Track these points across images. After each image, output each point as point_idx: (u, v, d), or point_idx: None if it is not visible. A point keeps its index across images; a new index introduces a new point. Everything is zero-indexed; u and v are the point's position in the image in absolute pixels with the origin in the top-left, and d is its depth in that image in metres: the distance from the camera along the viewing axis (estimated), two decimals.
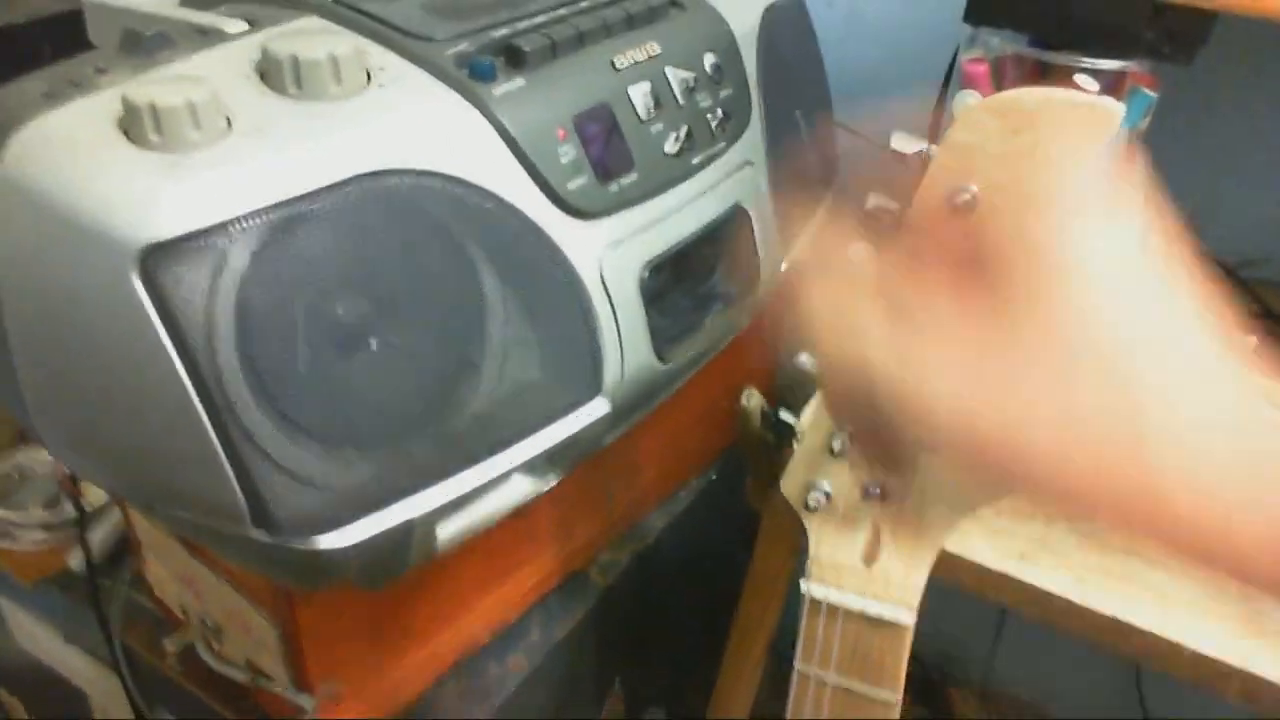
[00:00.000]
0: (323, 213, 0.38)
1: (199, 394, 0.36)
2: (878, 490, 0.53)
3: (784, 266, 0.63)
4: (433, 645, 0.60)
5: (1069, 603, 0.54)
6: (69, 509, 0.70)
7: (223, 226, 0.36)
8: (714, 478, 0.84)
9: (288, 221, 0.37)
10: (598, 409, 0.50)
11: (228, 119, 0.38)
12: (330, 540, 0.40)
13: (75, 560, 0.67)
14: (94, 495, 0.70)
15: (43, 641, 0.74)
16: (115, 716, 0.73)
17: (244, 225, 0.36)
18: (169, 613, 0.62)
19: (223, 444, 0.37)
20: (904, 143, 0.48)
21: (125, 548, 0.66)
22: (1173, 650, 0.52)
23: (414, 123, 0.42)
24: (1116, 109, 0.41)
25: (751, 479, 0.69)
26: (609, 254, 0.48)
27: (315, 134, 0.39)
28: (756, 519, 0.71)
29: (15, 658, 0.80)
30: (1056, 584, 0.55)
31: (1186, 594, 0.55)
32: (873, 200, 0.52)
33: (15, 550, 0.70)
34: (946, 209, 0.47)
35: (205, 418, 0.37)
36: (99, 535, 0.68)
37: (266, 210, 0.37)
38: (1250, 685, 0.51)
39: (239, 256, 0.36)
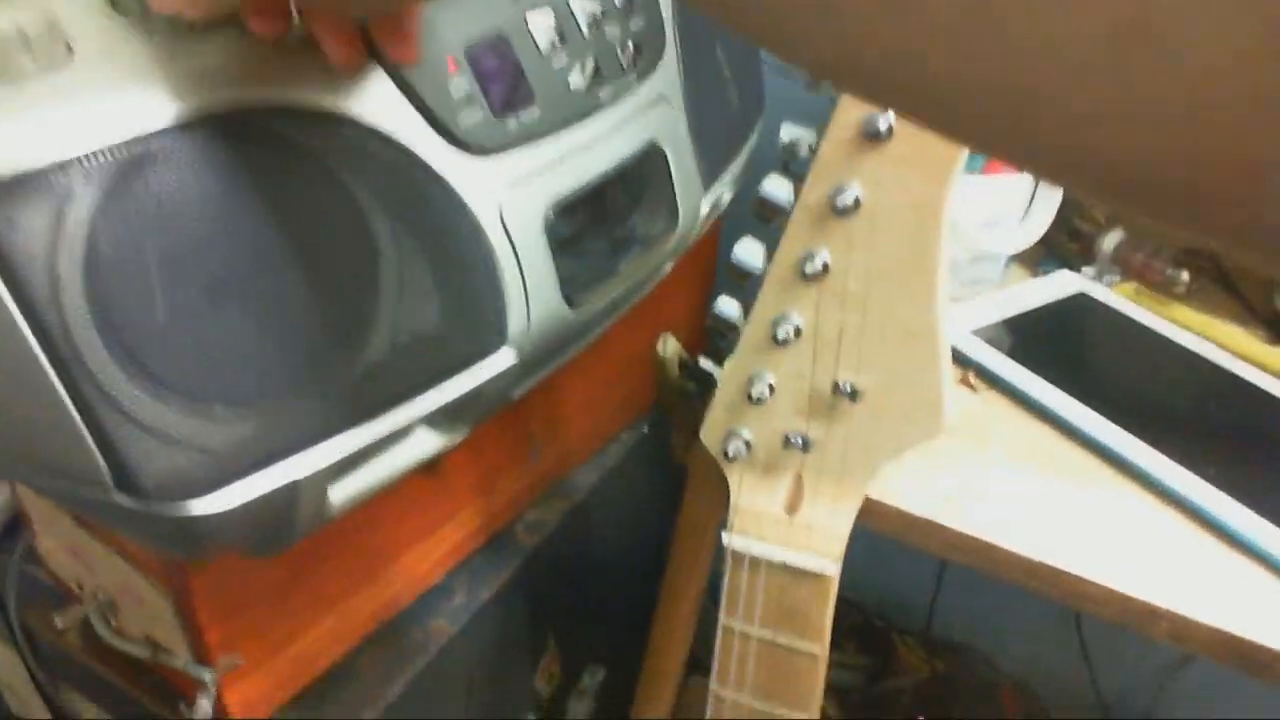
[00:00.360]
0: (179, 150, 0.35)
1: (44, 347, 0.33)
2: (800, 439, 0.51)
3: (704, 209, 0.61)
4: (346, 611, 0.57)
5: (995, 547, 0.53)
6: None
7: (64, 165, 0.33)
8: (645, 431, 0.82)
9: (140, 159, 0.34)
10: (504, 360, 0.47)
11: (68, 45, 0.35)
12: (205, 505, 0.37)
13: None
14: None
15: None
16: (22, 695, 0.70)
17: (88, 164, 0.33)
18: (65, 587, 0.59)
19: (75, 402, 0.34)
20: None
21: (22, 523, 0.63)
22: (1101, 593, 0.52)
23: (285, 52, 0.38)
24: None
25: (675, 431, 0.68)
26: (510, 194, 0.46)
27: (171, 64, 0.36)
28: (680, 469, 0.69)
29: None
30: (982, 529, 0.53)
31: (1116, 535, 0.54)
32: (787, 132, 0.50)
33: None
34: (861, 137, 0.46)
35: (53, 373, 0.34)
36: None
37: (114, 149, 0.34)
38: (1179, 626, 0.51)
39: (85, 198, 0.33)
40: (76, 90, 0.34)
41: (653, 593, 0.80)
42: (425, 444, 0.47)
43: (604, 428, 0.78)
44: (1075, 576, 0.51)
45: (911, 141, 0.44)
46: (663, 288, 0.64)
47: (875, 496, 0.55)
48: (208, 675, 0.48)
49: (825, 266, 0.46)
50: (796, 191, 0.47)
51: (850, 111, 0.44)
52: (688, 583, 0.69)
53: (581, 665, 0.86)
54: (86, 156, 0.33)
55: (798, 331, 0.48)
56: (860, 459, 0.49)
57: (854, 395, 0.48)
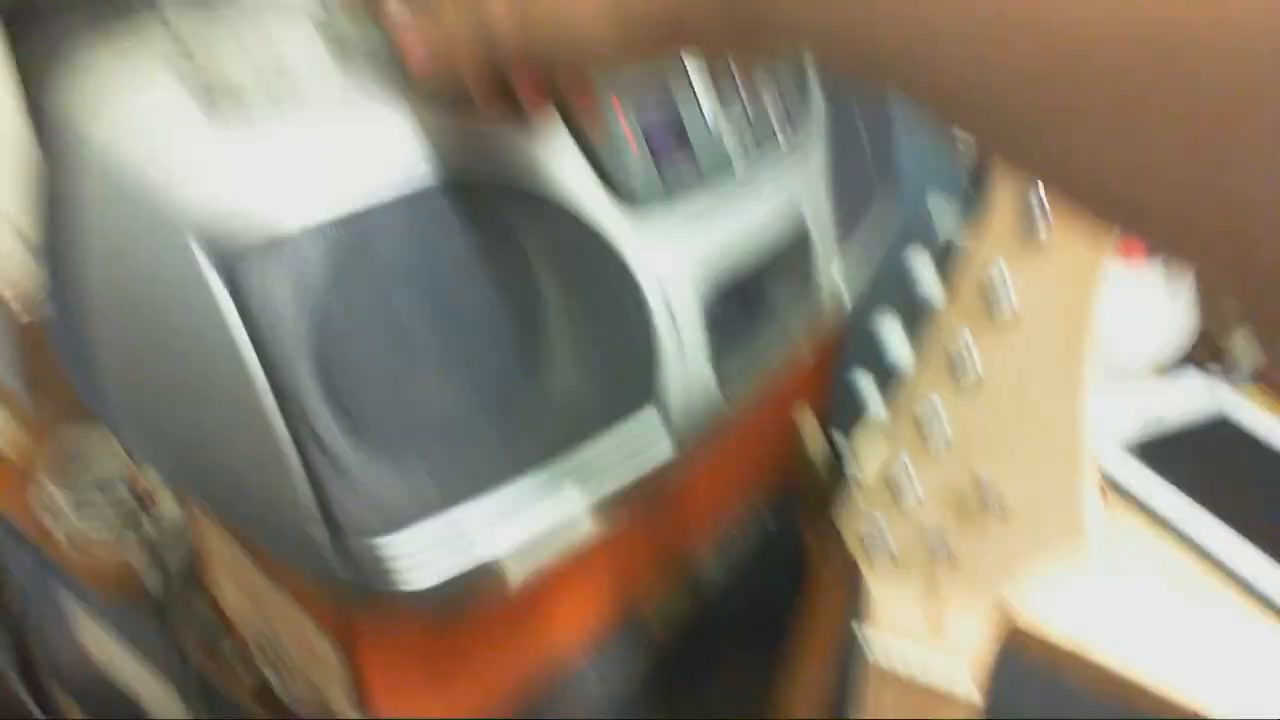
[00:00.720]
0: (399, 222, 0.40)
1: (274, 395, 0.38)
2: (938, 538, 0.52)
3: (842, 284, 0.63)
4: (489, 678, 0.60)
5: (1143, 689, 0.52)
6: (145, 524, 0.72)
7: (305, 232, 0.38)
8: (769, 519, 0.83)
9: (366, 230, 0.39)
10: (658, 435, 0.50)
11: (299, 91, 0.39)
12: (391, 541, 0.41)
13: (150, 579, 0.69)
14: (168, 509, 0.72)
15: (108, 652, 0.76)
16: None
17: (327, 232, 0.38)
18: (233, 629, 0.64)
19: (295, 446, 0.38)
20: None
21: (198, 566, 0.67)
22: None
23: (496, 132, 0.43)
24: None
25: (804, 509, 0.69)
26: (667, 259, 0.49)
27: (394, 138, 0.40)
28: (804, 543, 0.69)
29: (77, 662, 0.82)
30: (1121, 653, 0.52)
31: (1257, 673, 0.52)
32: (940, 219, 0.52)
33: (89, 563, 0.72)
34: (1015, 236, 0.47)
35: (277, 417, 0.38)
36: (172, 552, 0.69)
37: (347, 220, 0.38)
38: None
39: (318, 262, 0.38)
40: (319, 157, 0.38)
41: (773, 681, 0.80)
42: (578, 505, 0.50)
43: (733, 515, 0.79)
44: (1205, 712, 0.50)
45: (1066, 244, 0.45)
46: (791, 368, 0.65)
47: (1010, 612, 0.55)
48: None
49: (971, 365, 0.48)
50: (944, 284, 0.49)
51: (1004, 211, 0.46)
52: (813, 674, 0.69)
53: None
54: (326, 225, 0.38)
55: (940, 428, 0.49)
56: (999, 568, 0.49)
57: (994, 498, 0.48)
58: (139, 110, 0.39)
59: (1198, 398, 0.71)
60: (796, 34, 0.27)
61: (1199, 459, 0.66)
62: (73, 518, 0.71)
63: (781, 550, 0.85)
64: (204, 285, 0.37)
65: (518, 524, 0.45)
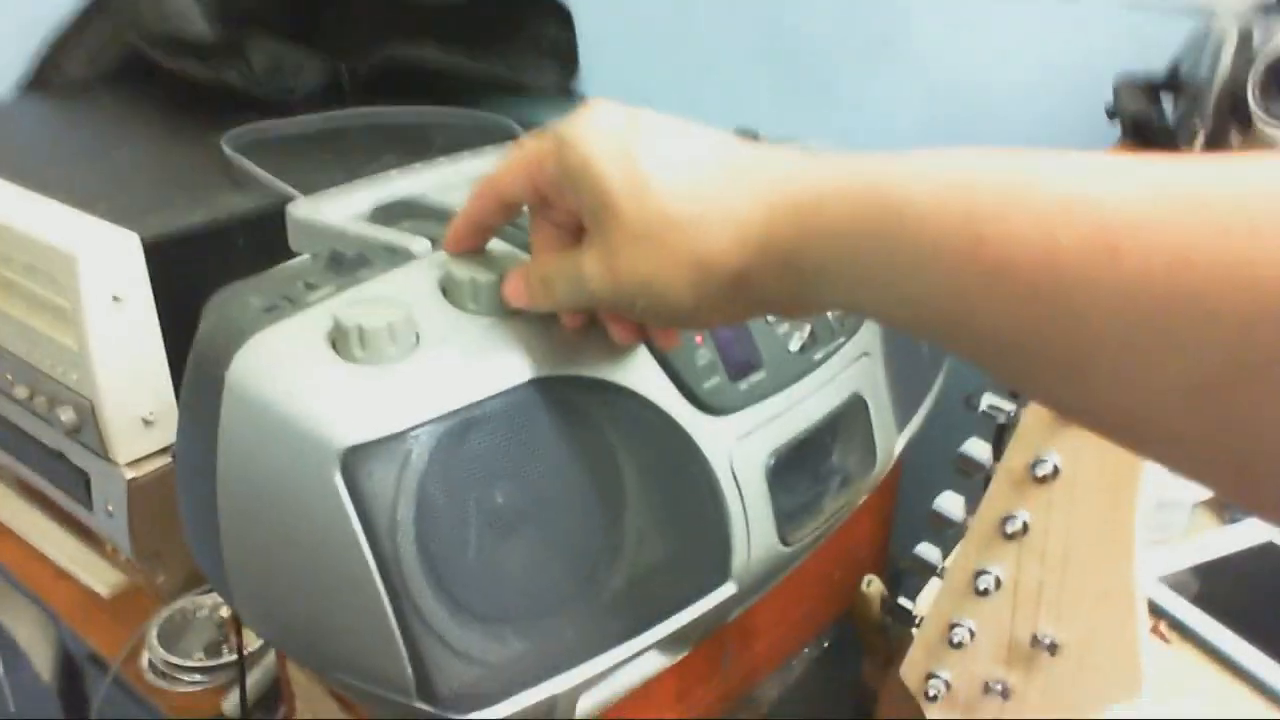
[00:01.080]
0: (492, 415, 0.43)
1: (381, 576, 0.41)
2: (1000, 687, 0.54)
3: (897, 449, 0.66)
4: None
5: None
6: (227, 653, 0.76)
7: (410, 430, 0.42)
8: (826, 646, 0.84)
9: (463, 424, 0.43)
10: (726, 590, 0.53)
11: (418, 335, 0.44)
12: (485, 714, 0.44)
13: (230, 705, 0.73)
14: (250, 640, 0.76)
15: None
16: None
17: (427, 429, 0.42)
18: None
19: (398, 622, 0.42)
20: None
21: (276, 693, 0.71)
22: None
23: (569, 334, 0.47)
24: None
25: (867, 661, 0.71)
26: (738, 446, 0.53)
27: (488, 346, 0.45)
28: (868, 694, 0.71)
29: None
30: None
31: None
32: (987, 400, 0.55)
33: (175, 692, 0.75)
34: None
35: (385, 598, 0.42)
36: (252, 680, 0.73)
37: (446, 416, 0.42)
38: None
39: (421, 456, 0.42)
40: (422, 371, 0.43)
41: None
42: (653, 663, 0.53)
43: (787, 644, 0.81)
44: None
45: None
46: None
47: None
48: None
49: (1025, 526, 0.50)
50: (995, 455, 0.52)
51: None
52: None
53: None
54: (425, 424, 0.42)
55: (998, 583, 0.52)
56: (1059, 712, 0.52)
57: (1053, 649, 0.51)
58: (279, 346, 0.44)
59: (1247, 528, 0.73)
60: (835, 303, 0.33)
61: (1246, 587, 0.67)
62: (167, 655, 0.75)
63: (841, 679, 0.87)
64: (325, 481, 0.41)
65: (601, 689, 0.48)
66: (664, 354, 0.49)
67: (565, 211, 0.41)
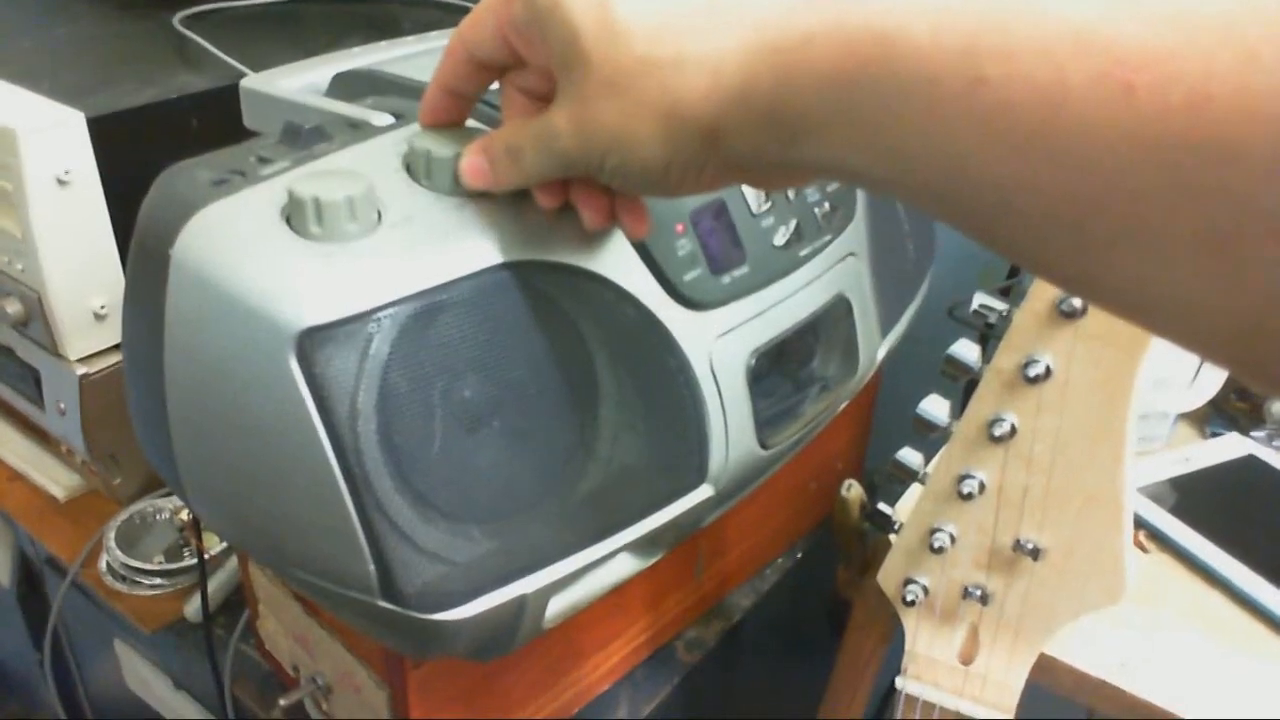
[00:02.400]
0: (460, 300, 0.41)
1: (340, 468, 0.39)
2: (979, 592, 0.53)
3: (880, 354, 0.65)
4: (527, 714, 0.61)
5: (1172, 718, 0.53)
6: (188, 557, 0.74)
7: (371, 313, 0.39)
8: (800, 556, 0.84)
9: (428, 308, 0.40)
10: (702, 493, 0.51)
11: (379, 212, 0.41)
12: (451, 614, 0.42)
13: (191, 609, 0.71)
14: (211, 543, 0.74)
15: (153, 686, 0.77)
16: None
17: (390, 312, 0.39)
18: (279, 667, 0.65)
19: (359, 516, 0.40)
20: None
21: (239, 598, 0.69)
22: None
23: (544, 218, 0.44)
24: None
25: (843, 567, 0.70)
26: (718, 343, 0.50)
27: (455, 226, 0.42)
28: (842, 603, 0.71)
29: (123, 699, 0.84)
30: (1159, 696, 0.53)
31: None
32: (979, 300, 0.53)
33: (135, 596, 0.73)
34: (1055, 312, 0.48)
35: (345, 490, 0.39)
36: (215, 584, 0.71)
37: (410, 298, 0.40)
38: None
39: (383, 341, 0.39)
40: (384, 250, 0.40)
41: (797, 718, 0.81)
42: (626, 566, 0.51)
43: (762, 553, 0.81)
44: None
45: (1105, 319, 0.46)
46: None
47: (1048, 652, 0.56)
48: None
49: (1013, 429, 0.49)
50: (986, 354, 0.50)
51: (1046, 287, 0.47)
52: (845, 715, 0.70)
53: None
54: (386, 306, 0.39)
55: (982, 488, 0.50)
56: (1039, 617, 0.51)
57: (1035, 554, 0.50)
58: (229, 220, 0.41)
59: (1227, 441, 0.72)
60: (818, 162, 0.29)
61: (1226, 498, 0.67)
62: (125, 558, 0.73)
63: (815, 588, 0.86)
64: (280, 366, 0.38)
65: (571, 592, 0.46)
66: (643, 243, 0.47)
67: (538, 73, 0.38)
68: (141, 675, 0.78)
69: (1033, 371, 0.48)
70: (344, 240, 0.40)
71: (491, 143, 0.40)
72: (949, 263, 0.78)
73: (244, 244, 0.40)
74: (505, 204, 0.43)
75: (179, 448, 0.44)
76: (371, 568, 0.40)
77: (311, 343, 0.38)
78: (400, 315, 0.39)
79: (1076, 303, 0.46)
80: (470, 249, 0.41)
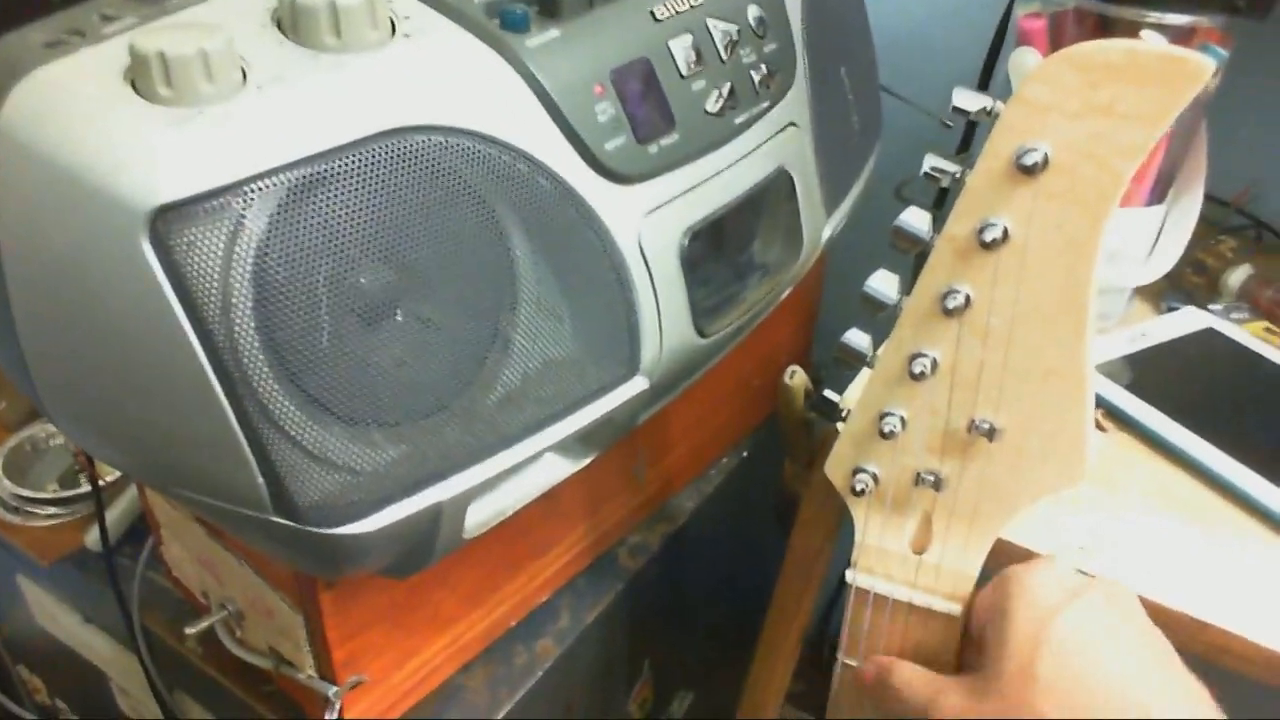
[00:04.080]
0: (345, 172, 0.35)
1: (214, 368, 0.34)
2: (931, 478, 0.50)
3: (825, 234, 0.60)
4: (459, 630, 0.58)
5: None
6: (84, 483, 0.68)
7: (238, 186, 0.33)
8: (745, 455, 0.81)
9: (307, 181, 0.35)
10: (635, 386, 0.47)
11: (243, 70, 0.35)
12: (356, 527, 0.37)
13: (91, 539, 0.66)
14: (109, 469, 0.68)
15: (62, 621, 0.73)
16: (136, 697, 0.71)
17: (261, 185, 0.34)
18: (189, 594, 0.60)
19: (241, 423, 0.35)
20: (967, 99, 0.45)
21: (143, 525, 0.64)
22: (1244, 648, 0.49)
23: (441, 76, 0.39)
24: (1207, 63, 0.37)
25: (789, 461, 0.67)
26: (647, 221, 0.45)
27: (335, 87, 0.36)
28: (789, 498, 0.68)
29: (36, 637, 0.79)
30: (1121, 577, 0.51)
31: (1258, 586, 0.52)
32: (930, 162, 0.49)
33: (31, 528, 0.68)
34: (1013, 169, 0.44)
35: (222, 394, 0.34)
36: (116, 513, 0.66)
37: (284, 168, 0.34)
38: None
39: (256, 219, 0.34)
40: (249, 114, 0.34)
41: (745, 619, 0.80)
42: (554, 469, 0.47)
43: (705, 453, 0.77)
44: (1217, 629, 0.49)
45: (1068, 175, 0.43)
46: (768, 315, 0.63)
47: (1005, 537, 0.54)
48: (333, 691, 0.48)
49: (967, 300, 0.45)
50: (935, 224, 0.46)
51: (1004, 142, 0.43)
52: (794, 614, 0.68)
53: (673, 691, 0.85)
54: (256, 178, 0.34)
55: (934, 366, 0.47)
56: (995, 501, 0.48)
57: (991, 434, 0.46)
58: (60, 84, 0.35)
59: (1184, 315, 0.70)
60: None
61: (1186, 373, 0.65)
62: (16, 490, 0.67)
63: (760, 486, 0.84)
64: (131, 250, 0.33)
65: (493, 498, 0.42)
66: (557, 107, 0.41)
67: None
68: (49, 611, 0.73)
69: (989, 236, 0.44)
70: (200, 104, 0.34)
71: (891, 675, 0.45)
72: (895, 141, 0.74)
73: (81, 111, 0.34)
74: (394, 62, 0.38)
75: (31, 357, 0.38)
76: (260, 480, 0.36)
77: (168, 224, 0.33)
78: (275, 188, 0.34)
79: (1038, 156, 0.42)
80: (354, 113, 0.36)
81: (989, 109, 0.45)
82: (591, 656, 0.66)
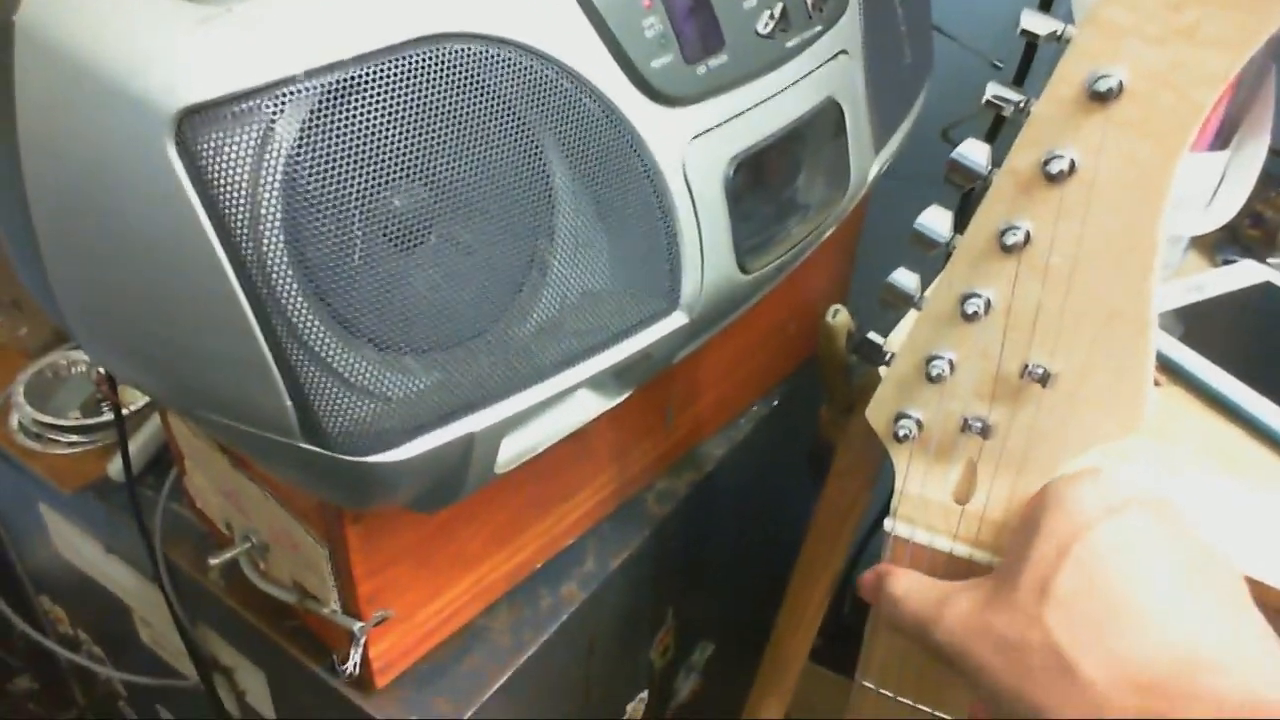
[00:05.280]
0: (380, 79, 0.33)
1: (242, 283, 0.32)
2: (979, 424, 0.48)
3: (874, 171, 0.58)
4: (484, 570, 0.56)
5: None
6: (107, 411, 0.67)
7: (269, 89, 0.31)
8: (777, 403, 0.79)
9: (341, 87, 0.32)
10: (674, 321, 0.45)
11: None
12: (386, 456, 0.36)
13: (114, 468, 0.65)
14: (132, 397, 0.67)
15: (84, 551, 0.72)
16: (158, 629, 0.71)
17: (293, 89, 0.32)
18: (211, 526, 0.60)
19: (269, 343, 0.33)
20: (1036, 22, 0.42)
21: (166, 454, 0.63)
22: None
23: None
24: None
25: (826, 406, 0.65)
26: (693, 146, 0.43)
27: None
28: (825, 445, 0.66)
29: (58, 567, 0.79)
30: None
31: None
32: (992, 90, 0.46)
33: (52, 455, 0.67)
34: (1084, 97, 0.42)
35: (250, 312, 0.33)
36: (139, 442, 0.65)
37: (318, 72, 0.32)
38: None
39: (287, 125, 0.32)
40: (281, 13, 0.32)
41: (771, 570, 0.78)
42: (588, 405, 0.46)
43: (736, 400, 0.76)
44: (1276, 590, 0.48)
45: (1143, 104, 0.40)
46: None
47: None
48: (358, 627, 0.47)
49: (1027, 237, 0.43)
50: (995, 156, 0.44)
51: (1075, 67, 0.41)
52: (825, 565, 0.66)
53: (695, 639, 0.85)
54: (290, 81, 0.32)
55: (988, 307, 0.45)
56: (1044, 450, 0.46)
57: (1045, 380, 0.44)
58: None
59: (1242, 269, 0.67)
60: None
61: (1244, 328, 0.63)
62: (37, 415, 0.66)
63: (793, 434, 0.82)
64: (157, 157, 0.31)
65: (525, 433, 0.41)
66: (604, 20, 0.39)
67: None
68: (71, 541, 0.72)
69: (1055, 168, 0.41)
70: (228, 0, 0.32)
71: (890, 580, 0.41)
72: (943, 82, 0.71)
73: (103, 6, 0.32)
74: None
75: (54, 273, 0.37)
76: (289, 403, 0.34)
77: (194, 126, 0.31)
78: (308, 93, 0.32)
79: (1112, 83, 0.40)
80: (392, 15, 0.34)
81: (1059, 33, 0.42)
82: (616, 602, 0.65)
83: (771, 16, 0.46)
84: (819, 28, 0.49)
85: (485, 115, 0.36)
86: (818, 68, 0.49)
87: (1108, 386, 0.45)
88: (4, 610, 0.77)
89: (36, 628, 0.86)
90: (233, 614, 0.57)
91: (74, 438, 0.67)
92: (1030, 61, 0.79)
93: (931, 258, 0.48)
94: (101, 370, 0.67)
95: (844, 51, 0.51)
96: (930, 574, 0.50)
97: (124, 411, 0.59)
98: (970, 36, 0.73)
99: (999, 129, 0.45)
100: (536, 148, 0.38)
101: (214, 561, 0.51)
